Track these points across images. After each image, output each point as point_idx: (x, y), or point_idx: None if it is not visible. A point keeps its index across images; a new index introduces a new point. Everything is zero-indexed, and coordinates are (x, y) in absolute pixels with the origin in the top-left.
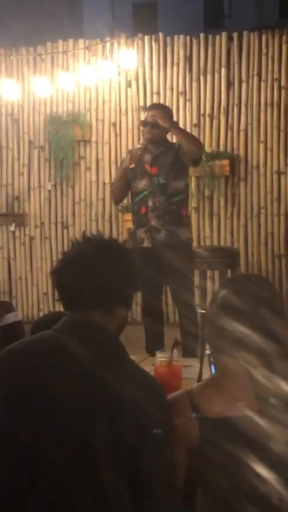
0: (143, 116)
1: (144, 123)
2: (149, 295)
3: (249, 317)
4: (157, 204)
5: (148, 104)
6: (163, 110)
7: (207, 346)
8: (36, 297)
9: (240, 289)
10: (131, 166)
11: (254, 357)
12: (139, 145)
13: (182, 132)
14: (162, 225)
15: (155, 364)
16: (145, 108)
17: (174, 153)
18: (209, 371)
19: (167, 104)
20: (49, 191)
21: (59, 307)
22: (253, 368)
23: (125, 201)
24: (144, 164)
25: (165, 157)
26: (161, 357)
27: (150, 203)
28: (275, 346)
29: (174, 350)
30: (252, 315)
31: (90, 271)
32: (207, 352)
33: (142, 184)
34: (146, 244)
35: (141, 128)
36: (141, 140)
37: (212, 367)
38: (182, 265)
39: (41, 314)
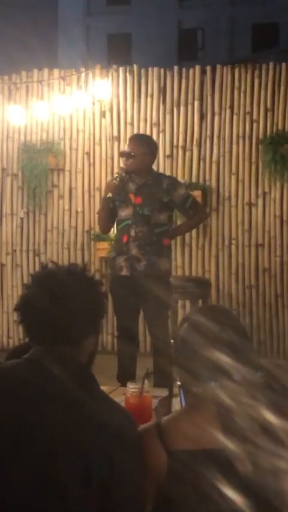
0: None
1: (121, 154)
2: (125, 322)
3: (223, 344)
4: (139, 233)
5: (122, 134)
6: (139, 141)
7: (178, 377)
8: (6, 325)
9: (213, 318)
10: (108, 196)
11: (226, 383)
12: (115, 175)
13: (185, 232)
14: (143, 254)
15: (125, 394)
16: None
17: (161, 187)
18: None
19: None
20: (21, 219)
21: None
22: (224, 394)
23: (97, 229)
24: (129, 193)
25: (150, 188)
26: (131, 388)
27: (132, 232)
28: (251, 372)
29: (145, 381)
30: (226, 342)
31: (54, 309)
32: (178, 383)
33: (125, 213)
34: (125, 272)
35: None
36: (116, 170)
37: (182, 399)
38: (159, 297)
39: (11, 342)
